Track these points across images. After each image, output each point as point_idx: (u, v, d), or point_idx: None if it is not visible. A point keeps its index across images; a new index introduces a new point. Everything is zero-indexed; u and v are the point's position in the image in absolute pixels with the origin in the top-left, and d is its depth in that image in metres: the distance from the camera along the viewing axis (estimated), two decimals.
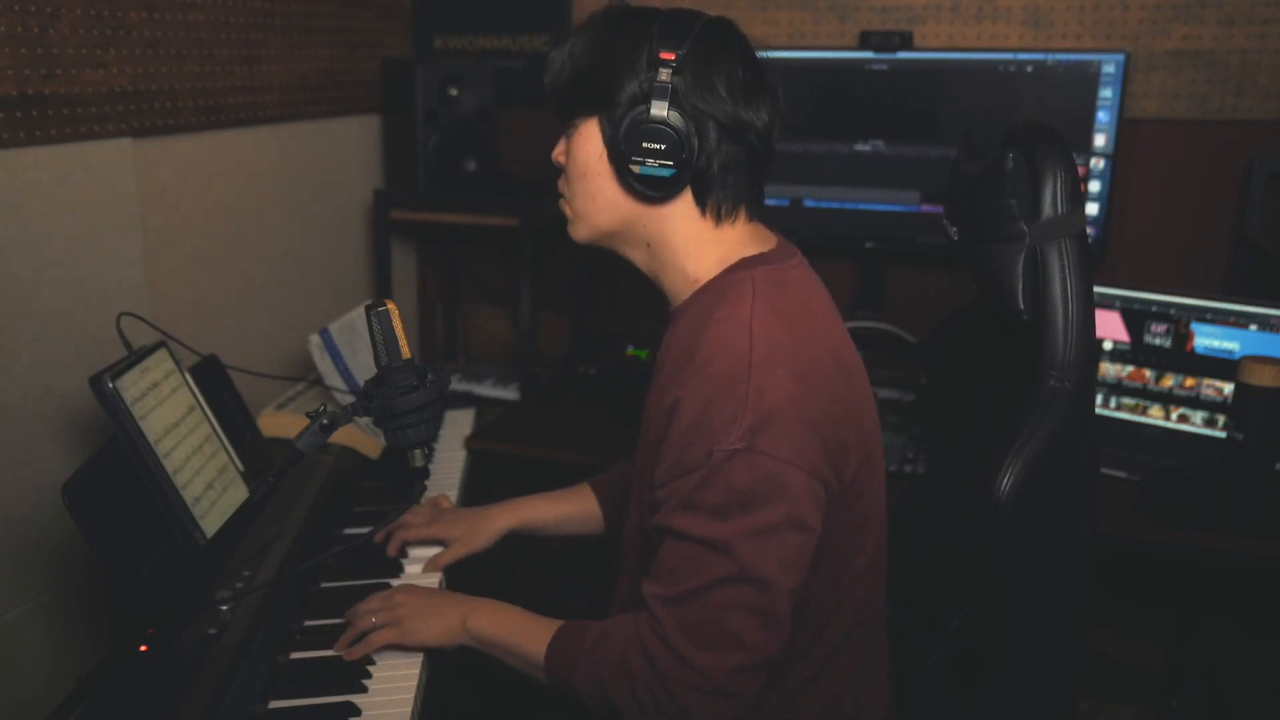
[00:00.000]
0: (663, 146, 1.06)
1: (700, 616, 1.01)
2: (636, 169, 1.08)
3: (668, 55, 1.06)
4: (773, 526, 1.00)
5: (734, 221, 1.14)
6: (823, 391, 1.05)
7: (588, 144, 1.12)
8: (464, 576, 1.48)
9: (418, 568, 1.43)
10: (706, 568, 1.01)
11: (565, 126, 1.16)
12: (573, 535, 1.52)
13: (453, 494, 1.72)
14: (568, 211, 1.19)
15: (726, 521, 1.00)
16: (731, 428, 1.00)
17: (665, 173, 1.07)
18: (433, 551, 1.46)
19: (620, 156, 1.09)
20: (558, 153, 1.17)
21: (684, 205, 1.12)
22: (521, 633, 1.17)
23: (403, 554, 1.47)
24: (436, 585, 1.39)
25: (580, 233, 1.19)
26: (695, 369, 1.05)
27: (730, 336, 1.05)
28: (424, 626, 1.21)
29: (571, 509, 1.50)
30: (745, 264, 1.13)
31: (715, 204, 1.12)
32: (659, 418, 1.09)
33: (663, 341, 1.20)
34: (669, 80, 1.05)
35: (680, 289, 1.17)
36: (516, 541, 1.51)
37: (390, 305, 1.10)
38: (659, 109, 1.05)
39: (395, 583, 1.40)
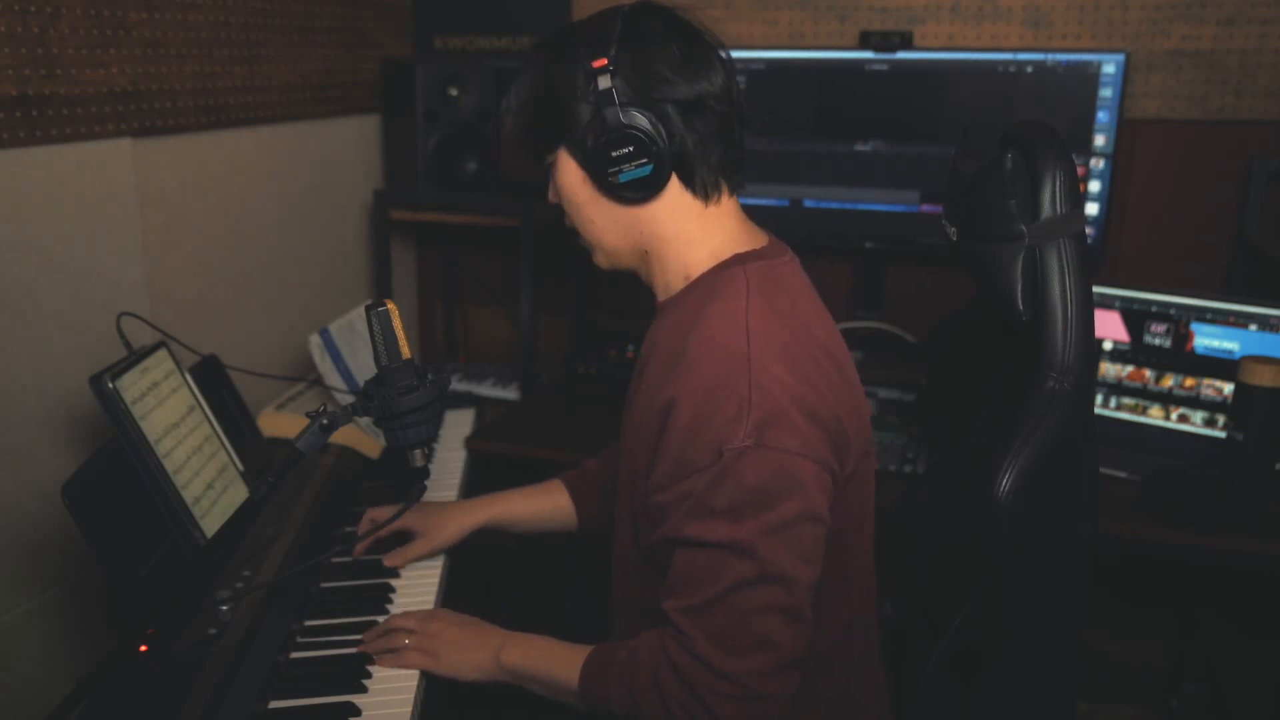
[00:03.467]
0: (632, 148, 1.07)
1: (726, 623, 1.00)
2: (617, 178, 1.09)
3: (599, 62, 1.06)
4: (789, 521, 1.00)
5: (720, 201, 1.14)
6: (821, 384, 1.05)
7: (568, 174, 1.13)
8: (464, 579, 1.48)
9: (417, 568, 1.43)
10: (727, 572, 1.00)
11: (544, 167, 1.16)
12: (544, 532, 1.51)
13: (453, 494, 1.72)
14: (584, 245, 1.20)
15: (742, 522, 0.99)
16: (737, 425, 0.99)
17: (645, 171, 1.08)
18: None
19: (598, 174, 1.10)
20: (551, 195, 1.18)
21: (672, 194, 1.12)
22: (554, 662, 1.16)
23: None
24: (435, 589, 1.39)
25: (601, 262, 1.21)
26: (689, 366, 1.04)
27: (725, 331, 1.04)
28: (459, 659, 1.20)
29: (543, 505, 1.49)
30: (738, 259, 1.12)
31: (701, 183, 1.12)
32: (651, 419, 1.08)
33: (648, 337, 1.19)
34: (610, 84, 1.06)
35: (672, 284, 1.16)
36: (523, 544, 1.50)
37: (390, 305, 1.10)
38: (613, 114, 1.06)
39: (395, 583, 1.40)
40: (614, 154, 1.07)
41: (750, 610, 1.00)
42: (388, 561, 1.41)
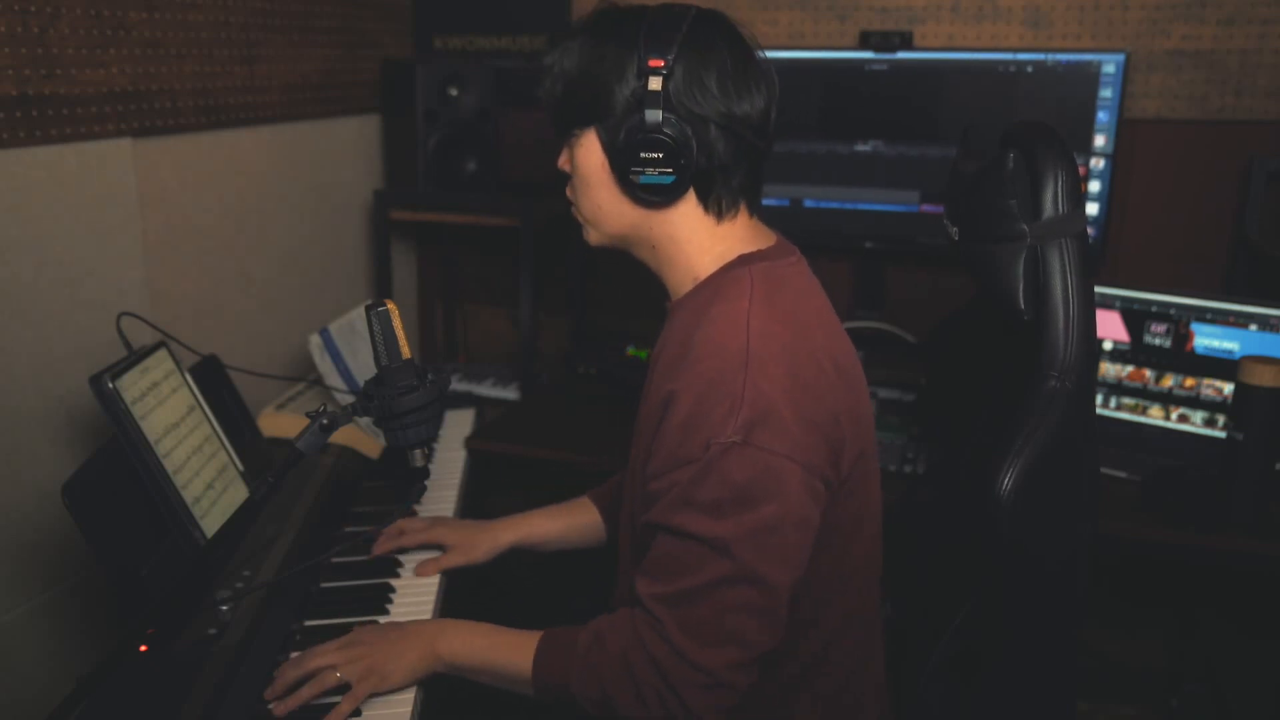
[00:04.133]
0: (661, 155, 1.07)
1: (701, 616, 1.02)
2: (638, 178, 1.08)
3: (656, 62, 1.05)
4: (771, 525, 1.00)
5: (735, 217, 1.15)
6: (819, 387, 1.05)
7: (589, 154, 1.13)
8: (464, 586, 1.47)
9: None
10: (706, 567, 1.01)
11: (565, 136, 1.16)
12: (574, 549, 1.51)
13: (452, 494, 1.72)
14: (578, 218, 1.20)
15: (724, 520, 1.00)
16: (728, 421, 1.00)
17: (666, 180, 1.08)
18: (428, 556, 1.45)
19: (621, 167, 1.09)
20: (562, 161, 1.18)
21: (687, 206, 1.13)
22: (499, 649, 1.15)
23: (401, 550, 1.47)
24: (435, 591, 1.39)
25: (593, 238, 1.20)
26: (691, 363, 1.05)
27: (727, 331, 1.05)
28: (396, 667, 1.14)
29: (573, 523, 1.49)
30: (743, 260, 1.13)
31: (718, 200, 1.13)
32: (654, 411, 1.09)
33: (658, 339, 1.20)
34: (660, 87, 1.05)
35: (684, 284, 1.17)
36: (512, 551, 1.50)
37: (390, 305, 1.10)
38: (653, 117, 1.05)
39: (395, 584, 1.40)
40: (642, 154, 1.07)
41: (725, 608, 1.01)
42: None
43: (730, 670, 1.02)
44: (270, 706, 1.11)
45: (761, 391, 1.01)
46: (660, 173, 1.07)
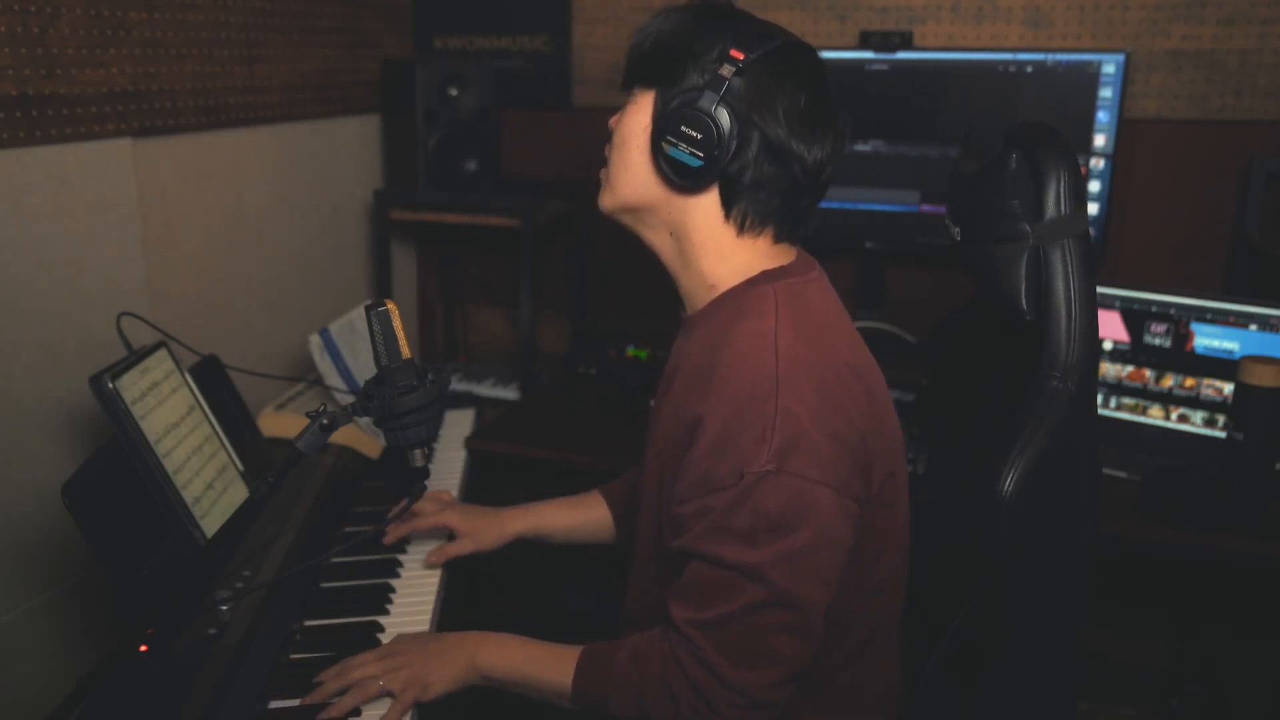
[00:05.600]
0: (699, 136, 1.06)
1: (737, 639, 1.02)
2: (668, 149, 1.08)
3: (737, 54, 1.06)
4: (804, 549, 1.00)
5: (758, 237, 1.13)
6: (847, 407, 1.05)
7: (639, 114, 1.13)
8: (462, 589, 1.48)
9: (417, 569, 1.43)
10: (740, 593, 1.01)
11: (627, 94, 1.16)
12: (582, 543, 1.51)
13: (453, 494, 1.71)
14: (603, 178, 1.19)
15: (758, 548, 1.00)
16: (760, 448, 1.00)
17: (693, 162, 1.07)
18: (433, 548, 1.46)
19: (657, 132, 1.09)
20: (613, 119, 1.17)
21: (708, 203, 1.11)
22: (538, 663, 1.15)
23: (401, 549, 1.48)
24: (434, 592, 1.39)
25: (606, 201, 1.18)
26: (718, 384, 1.04)
27: (754, 352, 1.04)
28: (438, 678, 1.16)
29: (583, 517, 1.49)
30: (766, 277, 1.12)
31: (740, 214, 1.11)
32: (678, 433, 1.09)
33: (674, 349, 1.20)
34: (729, 77, 1.06)
35: (697, 293, 1.16)
36: (518, 541, 1.50)
37: (390, 305, 1.10)
38: (708, 100, 1.06)
39: (396, 583, 1.40)
40: (682, 128, 1.07)
41: (761, 630, 1.02)
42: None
43: (768, 689, 1.03)
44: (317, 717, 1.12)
45: (792, 414, 1.00)
46: (690, 152, 1.07)
